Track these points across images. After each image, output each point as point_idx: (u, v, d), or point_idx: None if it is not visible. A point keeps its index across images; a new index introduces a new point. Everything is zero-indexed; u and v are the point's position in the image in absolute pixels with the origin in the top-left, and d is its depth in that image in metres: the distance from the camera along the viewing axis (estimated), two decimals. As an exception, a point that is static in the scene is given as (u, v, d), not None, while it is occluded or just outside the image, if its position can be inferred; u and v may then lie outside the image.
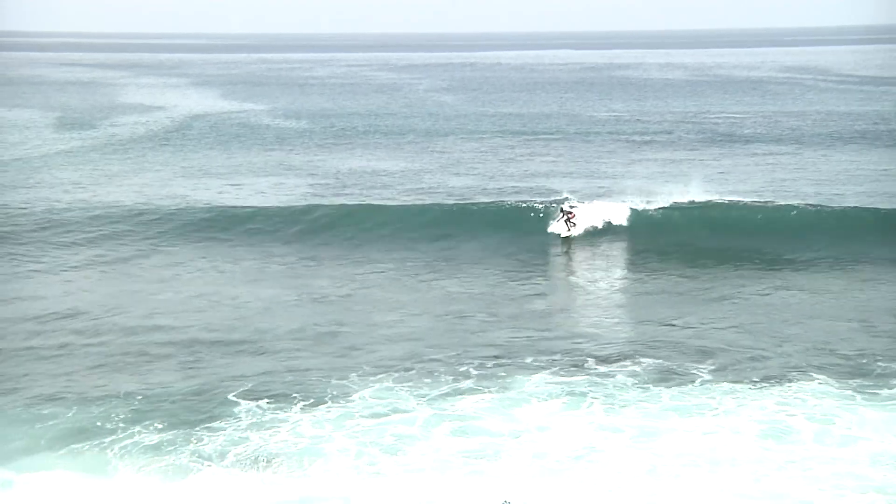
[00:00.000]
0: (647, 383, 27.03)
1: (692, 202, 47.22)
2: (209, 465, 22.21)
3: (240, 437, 23.52)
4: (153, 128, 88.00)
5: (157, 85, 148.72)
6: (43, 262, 40.79)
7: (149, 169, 65.22)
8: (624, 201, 46.77)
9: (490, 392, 26.49)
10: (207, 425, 24.16)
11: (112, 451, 22.74)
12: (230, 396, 25.99)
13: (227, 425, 24.16)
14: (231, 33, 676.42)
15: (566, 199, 45.62)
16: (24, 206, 50.69)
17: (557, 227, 44.25)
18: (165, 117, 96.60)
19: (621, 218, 45.24)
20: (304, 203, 50.44)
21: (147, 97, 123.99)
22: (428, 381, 27.30)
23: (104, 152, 73.36)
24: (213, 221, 46.51)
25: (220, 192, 55.56)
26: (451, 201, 49.90)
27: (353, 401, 25.87)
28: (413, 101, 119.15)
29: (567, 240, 43.60)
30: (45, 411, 24.96)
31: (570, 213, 44.22)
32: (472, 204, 48.48)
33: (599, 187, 54.63)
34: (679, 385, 26.89)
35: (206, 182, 59.91)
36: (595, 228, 44.50)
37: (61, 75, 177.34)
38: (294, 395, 26.22)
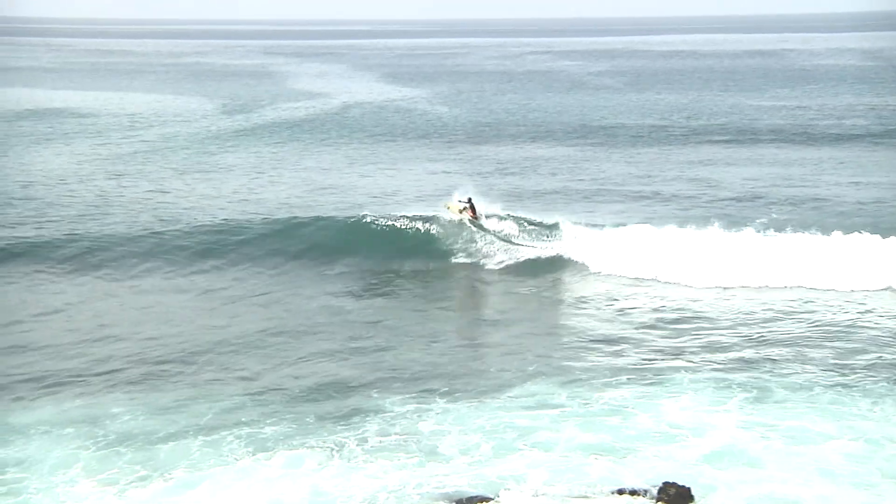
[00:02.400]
0: (807, 384, 26.31)
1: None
2: (341, 455, 22.58)
3: (380, 429, 23.88)
4: (314, 115, 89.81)
5: (313, 73, 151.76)
6: (199, 259, 41.40)
7: (309, 156, 66.86)
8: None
9: (639, 386, 26.38)
10: (349, 417, 24.61)
11: (247, 441, 23.29)
12: (374, 392, 26.34)
13: (372, 417, 24.56)
14: (383, 19, 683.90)
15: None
16: (173, 201, 52.27)
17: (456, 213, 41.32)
18: (324, 105, 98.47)
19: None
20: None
21: (307, 84, 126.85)
22: (578, 377, 27.34)
23: (267, 138, 75.50)
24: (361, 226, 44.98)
25: (367, 189, 55.41)
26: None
27: (498, 394, 26.11)
28: (572, 88, 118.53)
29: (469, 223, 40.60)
30: (187, 402, 25.70)
31: (473, 212, 41.20)
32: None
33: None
34: (838, 387, 26.08)
35: (356, 175, 60.22)
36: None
37: (220, 62, 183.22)
38: (435, 388, 26.56)
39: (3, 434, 23.51)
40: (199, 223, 45.18)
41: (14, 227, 44.28)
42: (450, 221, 41.68)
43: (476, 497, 20.51)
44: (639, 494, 20.51)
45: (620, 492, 20.62)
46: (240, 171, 60.67)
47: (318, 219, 45.04)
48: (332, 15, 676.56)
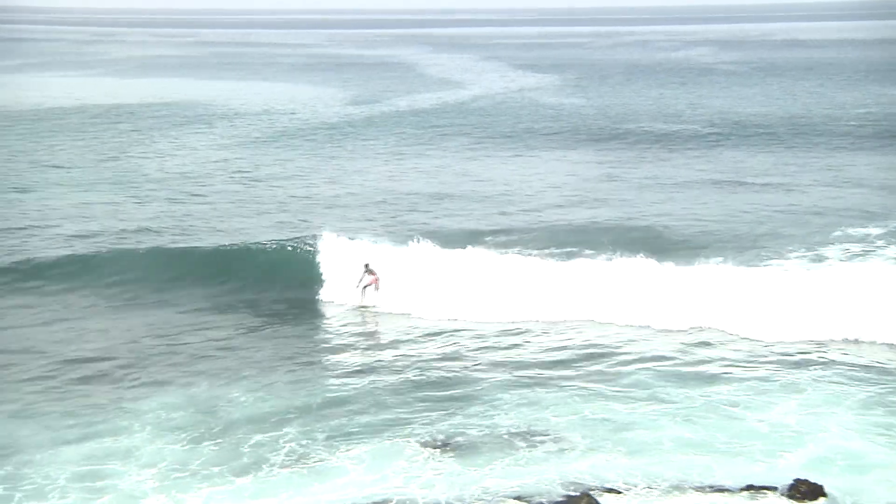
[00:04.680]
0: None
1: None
2: (432, 449, 22.78)
3: (474, 423, 24.16)
4: (435, 108, 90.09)
5: (439, 63, 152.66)
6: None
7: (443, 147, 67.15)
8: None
9: (747, 384, 26.33)
10: (443, 409, 24.98)
11: (334, 436, 23.56)
12: (468, 385, 26.65)
13: (466, 410, 24.94)
14: (511, 7, 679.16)
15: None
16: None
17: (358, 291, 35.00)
18: (448, 98, 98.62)
19: None
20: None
21: (433, 75, 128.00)
22: (678, 372, 27.56)
23: (399, 129, 76.36)
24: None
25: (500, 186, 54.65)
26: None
27: (597, 386, 26.42)
28: (701, 78, 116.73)
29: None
30: (283, 399, 26.09)
31: (373, 273, 35.04)
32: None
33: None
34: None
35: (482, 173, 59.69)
36: None
37: (346, 53, 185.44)
38: (533, 380, 26.91)
39: (120, 420, 24.46)
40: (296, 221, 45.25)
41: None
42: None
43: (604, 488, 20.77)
44: (768, 490, 20.40)
45: (749, 487, 20.54)
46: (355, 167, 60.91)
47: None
48: (461, 4, 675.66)
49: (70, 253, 39.40)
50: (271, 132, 74.62)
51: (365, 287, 34.73)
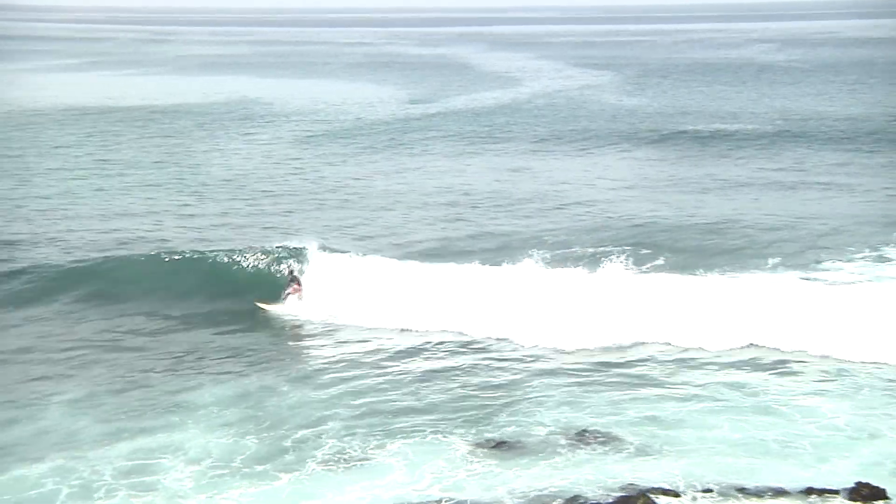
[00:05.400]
0: None
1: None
2: (479, 449, 22.64)
3: (518, 421, 24.08)
4: (486, 109, 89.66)
5: (490, 63, 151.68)
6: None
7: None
8: None
9: (794, 384, 26.21)
10: (486, 410, 24.85)
11: (375, 434, 23.46)
12: (511, 385, 26.68)
13: (511, 410, 24.83)
14: (574, 5, 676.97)
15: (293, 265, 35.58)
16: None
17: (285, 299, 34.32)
18: (516, 96, 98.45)
19: None
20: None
21: (501, 72, 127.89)
22: (735, 370, 27.48)
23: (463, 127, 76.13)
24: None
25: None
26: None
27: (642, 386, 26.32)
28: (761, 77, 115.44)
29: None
30: (329, 394, 26.23)
31: (297, 281, 34.54)
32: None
33: None
34: None
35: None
36: None
37: (399, 52, 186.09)
38: (580, 378, 26.99)
39: (172, 416, 24.61)
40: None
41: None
42: None
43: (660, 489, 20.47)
44: (829, 494, 19.99)
45: (810, 491, 20.16)
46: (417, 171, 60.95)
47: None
48: (519, 2, 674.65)
49: (124, 253, 39.75)
50: (330, 129, 74.92)
51: (287, 295, 34.33)
